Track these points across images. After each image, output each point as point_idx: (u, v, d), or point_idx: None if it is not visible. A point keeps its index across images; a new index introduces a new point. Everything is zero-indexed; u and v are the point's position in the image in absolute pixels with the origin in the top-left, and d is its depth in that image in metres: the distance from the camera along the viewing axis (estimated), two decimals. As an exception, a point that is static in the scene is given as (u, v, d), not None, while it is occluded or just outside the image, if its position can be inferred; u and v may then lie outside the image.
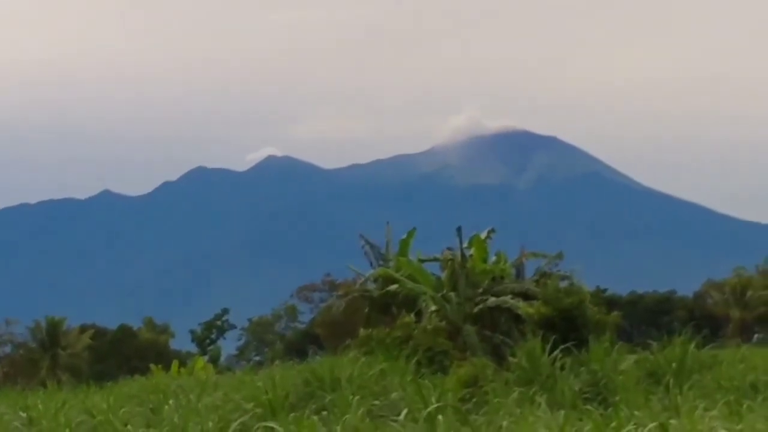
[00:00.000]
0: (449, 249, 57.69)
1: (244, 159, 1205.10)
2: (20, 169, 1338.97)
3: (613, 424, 18.33)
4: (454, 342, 48.14)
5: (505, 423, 22.06)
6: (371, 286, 62.59)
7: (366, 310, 61.23)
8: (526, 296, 51.23)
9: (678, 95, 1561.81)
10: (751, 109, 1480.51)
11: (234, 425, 23.29)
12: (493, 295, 53.31)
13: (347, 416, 23.85)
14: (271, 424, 22.47)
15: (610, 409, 22.18)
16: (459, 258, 55.30)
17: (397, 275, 57.46)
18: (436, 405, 19.55)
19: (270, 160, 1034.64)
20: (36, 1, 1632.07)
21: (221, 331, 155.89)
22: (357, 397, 26.23)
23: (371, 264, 65.51)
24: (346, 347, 41.69)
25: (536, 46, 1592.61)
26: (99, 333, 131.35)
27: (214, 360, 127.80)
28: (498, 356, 45.50)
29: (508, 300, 52.08)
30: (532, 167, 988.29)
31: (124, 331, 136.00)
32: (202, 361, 65.65)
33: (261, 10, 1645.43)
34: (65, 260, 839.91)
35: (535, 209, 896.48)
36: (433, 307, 53.01)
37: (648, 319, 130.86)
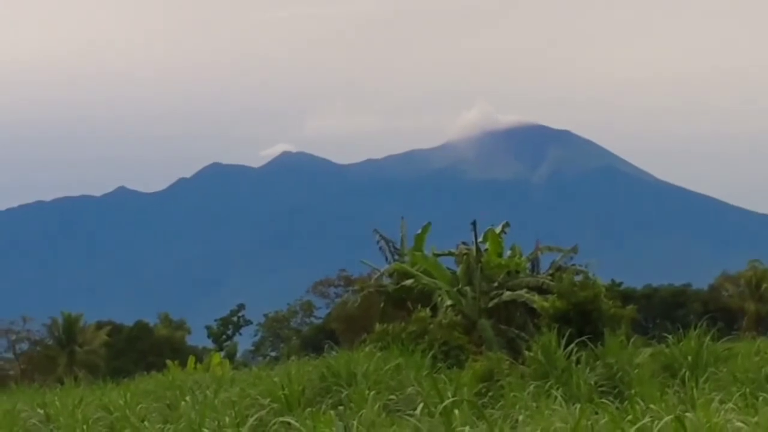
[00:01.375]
0: (464, 243, 57.69)
1: (258, 155, 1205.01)
2: (36, 167, 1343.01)
3: (629, 418, 18.35)
4: (469, 336, 48.14)
5: (521, 417, 22.10)
6: (386, 281, 62.49)
7: (381, 305, 61.11)
8: (541, 290, 51.19)
9: (692, 88, 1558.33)
10: (767, 102, 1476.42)
11: (251, 420, 23.35)
12: (508, 290, 53.30)
13: (363, 411, 23.91)
14: (287, 419, 22.55)
15: (625, 403, 22.19)
16: (474, 252, 55.27)
17: (412, 270, 57.45)
18: (452, 399, 19.59)
19: (284, 156, 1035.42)
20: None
21: (237, 327, 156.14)
22: (373, 392, 26.27)
23: (386, 259, 65.43)
24: (361, 342, 41.65)
25: (549, 40, 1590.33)
26: (115, 329, 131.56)
27: (231, 356, 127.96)
28: (513, 350, 45.49)
29: (523, 294, 52.07)
30: (545, 161, 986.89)
31: (141, 328, 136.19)
32: (218, 357, 65.71)
33: (273, 6, 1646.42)
34: (81, 257, 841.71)
35: (549, 203, 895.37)
36: (449, 302, 53.01)
37: (663, 312, 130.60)
